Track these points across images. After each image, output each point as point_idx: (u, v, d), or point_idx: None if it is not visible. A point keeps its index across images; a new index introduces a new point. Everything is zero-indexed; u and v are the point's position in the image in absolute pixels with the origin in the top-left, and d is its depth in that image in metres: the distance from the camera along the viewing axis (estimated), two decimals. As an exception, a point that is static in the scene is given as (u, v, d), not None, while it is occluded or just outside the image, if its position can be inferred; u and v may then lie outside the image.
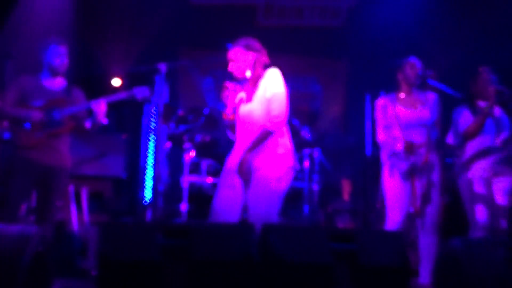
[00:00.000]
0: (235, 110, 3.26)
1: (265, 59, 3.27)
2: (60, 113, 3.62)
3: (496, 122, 3.94)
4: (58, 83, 3.75)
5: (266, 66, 3.27)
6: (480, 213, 3.82)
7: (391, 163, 3.75)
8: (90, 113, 3.66)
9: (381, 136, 3.82)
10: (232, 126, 3.33)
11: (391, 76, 3.89)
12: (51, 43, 3.67)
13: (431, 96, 3.82)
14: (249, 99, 3.24)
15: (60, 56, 3.68)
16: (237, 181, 3.19)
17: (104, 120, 3.67)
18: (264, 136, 3.14)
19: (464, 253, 2.57)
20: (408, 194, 3.70)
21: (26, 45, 4.70)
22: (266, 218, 3.01)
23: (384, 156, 3.83)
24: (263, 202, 3.10)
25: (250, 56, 3.25)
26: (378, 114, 3.85)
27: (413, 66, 3.78)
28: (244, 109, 3.24)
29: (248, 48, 3.26)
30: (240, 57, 3.25)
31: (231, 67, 3.29)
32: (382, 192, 3.86)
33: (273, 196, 3.10)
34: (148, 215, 4.97)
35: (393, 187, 3.72)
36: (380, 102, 3.85)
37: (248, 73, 3.24)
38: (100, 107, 3.62)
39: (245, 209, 3.22)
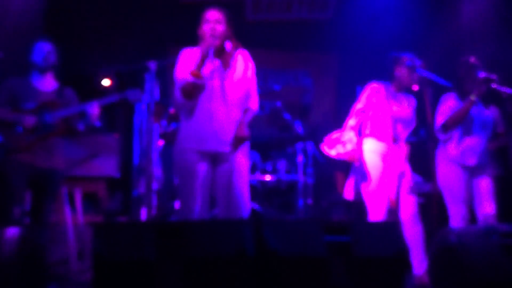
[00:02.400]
0: (202, 71, 3.04)
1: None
2: (52, 116, 3.60)
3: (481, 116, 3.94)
4: (49, 83, 3.73)
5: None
6: (459, 204, 3.84)
7: (374, 153, 3.76)
8: (83, 115, 3.64)
9: (351, 121, 3.81)
10: (196, 88, 3.05)
11: (382, 68, 3.90)
12: (37, 41, 3.66)
13: (413, 101, 3.88)
14: (226, 74, 3.15)
15: (45, 53, 3.66)
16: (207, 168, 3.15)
17: (97, 123, 3.66)
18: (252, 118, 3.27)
19: (458, 242, 2.58)
20: (389, 186, 3.71)
21: (11, 47, 4.66)
22: (248, 204, 3.14)
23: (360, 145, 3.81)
24: (246, 187, 3.18)
25: (229, 29, 3.19)
26: (364, 97, 3.82)
27: (408, 62, 3.75)
28: (228, 83, 3.14)
29: (229, 21, 3.21)
30: (222, 24, 3.16)
31: (211, 28, 3.13)
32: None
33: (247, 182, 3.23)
34: (143, 213, 4.95)
35: (374, 178, 3.72)
36: (373, 86, 3.83)
37: (227, 44, 3.15)
38: (93, 109, 3.61)
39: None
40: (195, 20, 3.34)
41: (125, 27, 6.24)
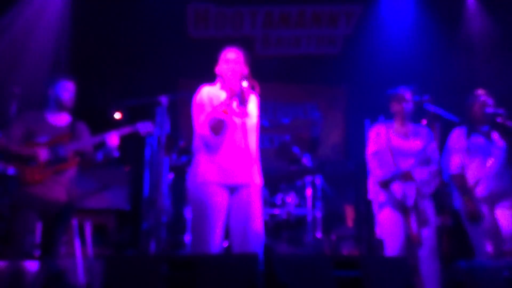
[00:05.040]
0: (230, 110, 3.12)
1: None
2: (65, 149, 3.65)
3: (492, 148, 3.95)
4: (63, 118, 3.79)
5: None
6: (484, 237, 3.82)
7: (383, 193, 3.76)
8: (102, 145, 3.71)
9: (371, 163, 3.84)
10: (222, 125, 3.14)
11: (387, 103, 3.93)
12: (60, 79, 3.74)
13: (424, 130, 3.86)
14: (244, 112, 3.20)
15: (69, 91, 3.75)
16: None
17: (116, 153, 3.72)
18: None
19: (468, 277, 2.57)
20: (403, 221, 3.69)
21: (28, 82, 4.76)
22: (262, 237, 3.16)
23: (372, 184, 3.83)
24: (261, 220, 3.21)
25: (246, 69, 3.25)
26: (370, 140, 3.88)
27: (403, 96, 3.81)
28: (247, 120, 3.21)
29: (247, 61, 3.28)
30: (240, 65, 3.24)
31: (229, 69, 3.21)
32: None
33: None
34: (152, 246, 4.95)
35: (387, 216, 3.71)
36: (375, 129, 3.88)
37: (244, 83, 3.16)
38: (113, 140, 3.68)
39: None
40: (206, 55, 3.41)
41: (136, 62, 6.36)
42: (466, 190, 3.86)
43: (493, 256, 3.77)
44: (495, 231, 3.84)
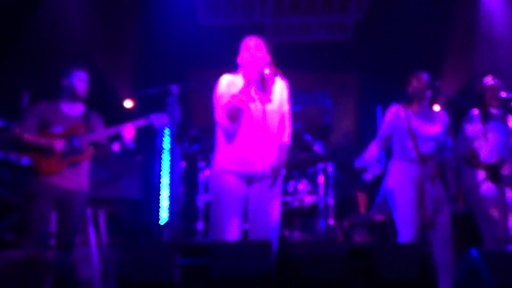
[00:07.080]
0: (247, 97, 3.09)
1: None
2: (80, 140, 3.68)
3: (507, 131, 3.92)
4: (77, 108, 3.82)
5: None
6: (493, 224, 3.79)
7: (402, 175, 3.74)
8: (118, 137, 3.72)
9: (373, 147, 3.83)
10: (238, 113, 3.10)
11: (401, 88, 3.90)
12: (75, 69, 3.76)
13: (441, 114, 3.83)
14: (266, 99, 3.16)
15: (83, 81, 3.76)
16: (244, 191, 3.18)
17: (131, 144, 3.73)
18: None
19: (483, 263, 2.56)
20: (417, 206, 3.67)
21: (39, 70, 4.78)
22: (277, 225, 3.17)
23: (372, 168, 3.81)
24: (278, 209, 3.22)
25: (268, 57, 3.22)
26: (385, 122, 3.84)
27: (419, 79, 3.78)
28: (268, 108, 3.15)
29: (268, 47, 3.24)
30: (261, 52, 3.20)
31: (248, 57, 3.19)
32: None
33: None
34: (165, 235, 4.99)
35: (403, 200, 3.70)
36: (393, 109, 3.84)
37: (266, 71, 3.13)
38: (128, 131, 3.69)
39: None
40: (216, 43, 3.39)
41: (147, 51, 6.36)
42: (481, 163, 3.87)
43: (501, 242, 3.75)
44: (505, 217, 3.81)
